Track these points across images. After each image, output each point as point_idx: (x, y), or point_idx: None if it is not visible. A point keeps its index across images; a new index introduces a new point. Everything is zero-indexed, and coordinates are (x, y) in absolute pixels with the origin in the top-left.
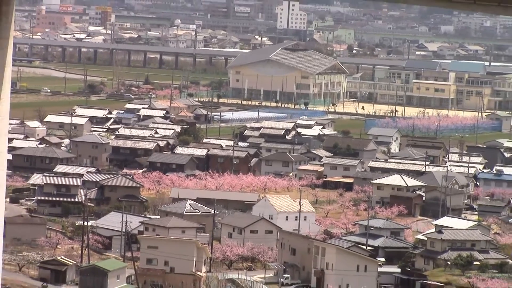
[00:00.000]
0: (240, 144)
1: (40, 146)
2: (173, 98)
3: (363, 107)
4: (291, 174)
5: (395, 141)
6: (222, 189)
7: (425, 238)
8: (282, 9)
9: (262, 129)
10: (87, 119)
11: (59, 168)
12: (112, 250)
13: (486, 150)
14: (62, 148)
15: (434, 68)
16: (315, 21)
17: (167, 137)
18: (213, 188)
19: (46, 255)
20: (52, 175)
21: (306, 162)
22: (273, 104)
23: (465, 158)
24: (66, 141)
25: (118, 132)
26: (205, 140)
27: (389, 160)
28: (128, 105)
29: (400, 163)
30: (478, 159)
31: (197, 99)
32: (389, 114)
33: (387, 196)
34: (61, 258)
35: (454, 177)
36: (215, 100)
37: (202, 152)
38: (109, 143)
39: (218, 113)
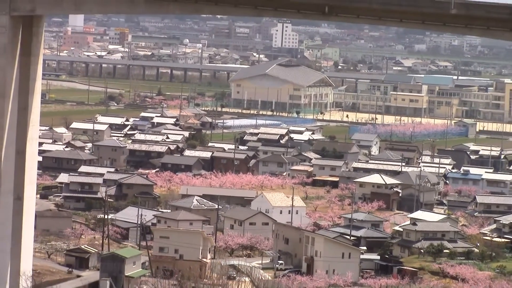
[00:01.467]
0: (240, 147)
1: (66, 149)
2: (182, 108)
3: (347, 115)
4: (284, 174)
5: (375, 145)
6: (224, 187)
7: (401, 229)
8: (277, 30)
9: (259, 134)
10: (107, 126)
11: (83, 169)
12: (129, 239)
13: (454, 153)
14: (85, 151)
15: (409, 82)
16: (306, 40)
17: (177, 141)
18: (217, 186)
19: (71, 244)
20: (76, 174)
21: (298, 163)
22: (269, 113)
23: (436, 160)
24: (89, 145)
25: (134, 137)
26: (210, 144)
27: (370, 161)
28: (143, 114)
29: (379, 164)
30: (447, 161)
31: (203, 108)
32: (370, 122)
33: (368, 193)
34: (84, 246)
35: (426, 176)
36: (219, 109)
37: (207, 154)
38: (126, 146)
39: (221, 121)
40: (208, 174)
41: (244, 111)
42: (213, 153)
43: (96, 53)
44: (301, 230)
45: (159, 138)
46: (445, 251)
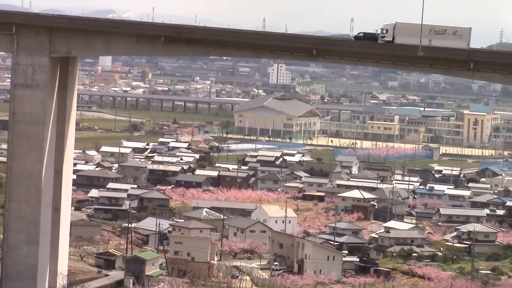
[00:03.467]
0: (242, 167)
1: (96, 169)
2: (193, 134)
3: (331, 141)
4: (279, 190)
5: (355, 165)
6: (229, 200)
7: (377, 236)
8: (273, 69)
9: (258, 156)
10: (131, 149)
11: (110, 185)
12: (149, 244)
13: (421, 172)
14: (112, 170)
15: (383, 113)
16: (297, 78)
17: (189, 162)
18: (223, 200)
19: (100, 248)
20: (105, 190)
21: (290, 181)
22: (266, 139)
23: (406, 178)
24: (116, 165)
25: (154, 158)
26: (216, 165)
27: (350, 179)
28: (161, 139)
29: (358, 181)
30: (416, 179)
31: (211, 135)
32: (350, 146)
33: (349, 206)
34: (111, 250)
35: (398, 191)
36: (224, 135)
37: (214, 173)
38: (147, 166)
39: (226, 145)
40: (215, 190)
41: (245, 137)
42: (219, 172)
43: (121, 89)
44: (293, 236)
45: (174, 159)
46: (413, 254)
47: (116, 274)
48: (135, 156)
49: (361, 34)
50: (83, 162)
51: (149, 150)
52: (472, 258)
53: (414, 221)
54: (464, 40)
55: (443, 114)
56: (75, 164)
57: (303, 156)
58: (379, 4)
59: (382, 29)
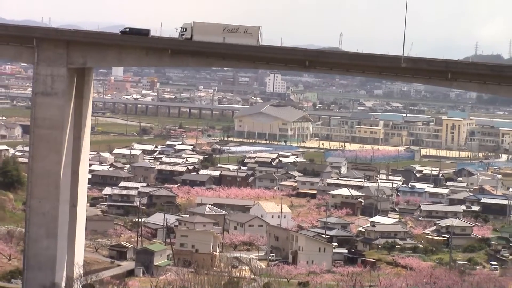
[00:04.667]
0: (242, 167)
1: (109, 169)
2: (197, 138)
3: (322, 143)
4: (275, 188)
5: (344, 166)
6: (229, 197)
7: (364, 230)
8: (270, 79)
9: (256, 158)
10: (141, 151)
11: (122, 184)
12: (157, 237)
13: (404, 172)
14: (124, 170)
15: (369, 118)
16: (291, 87)
17: (194, 163)
18: (224, 197)
19: (113, 241)
20: (117, 188)
21: (285, 180)
22: (263, 142)
23: (390, 177)
24: (127, 166)
25: (161, 160)
26: (218, 165)
27: (340, 178)
28: (168, 142)
29: (347, 180)
30: (399, 178)
31: (213, 138)
32: (340, 148)
33: (339, 202)
34: (123, 243)
35: (382, 189)
36: (225, 139)
37: (216, 173)
38: (155, 167)
39: (227, 147)
40: (217, 188)
41: (244, 140)
42: (221, 172)
43: (132, 96)
44: (288, 230)
45: (180, 160)
46: (397, 246)
47: (127, 264)
48: (144, 158)
49: (127, 29)
50: (98, 162)
51: (157, 152)
52: (450, 250)
53: (397, 216)
54: (254, 38)
55: (423, 120)
56: (90, 165)
57: (297, 157)
58: (365, 20)
59: (181, 28)
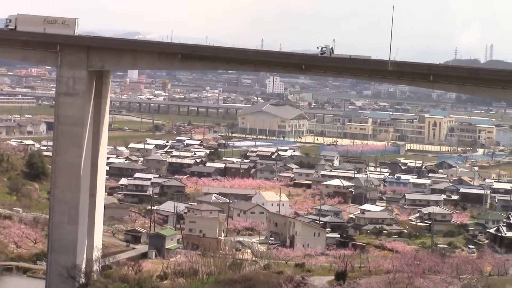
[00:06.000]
0: (245, 160)
1: (125, 161)
2: (204, 133)
3: (317, 139)
4: (274, 179)
5: (336, 159)
6: (233, 187)
7: (354, 217)
8: (269, 81)
9: (257, 151)
10: (154, 145)
11: (137, 175)
12: (168, 223)
13: (390, 164)
14: (139, 163)
15: (359, 116)
16: (289, 88)
17: (201, 156)
18: (228, 187)
19: (129, 226)
20: (132, 179)
21: (283, 171)
22: (264, 137)
23: (378, 169)
24: (141, 159)
25: (172, 153)
26: (223, 158)
27: (332, 170)
28: (178, 138)
29: (339, 172)
30: (386, 170)
31: (219, 134)
32: (333, 143)
33: (331, 192)
34: (138, 228)
35: (371, 180)
36: (230, 134)
37: (222, 165)
38: (166, 160)
39: (231, 142)
40: (222, 179)
41: (247, 136)
42: (225, 164)
43: (146, 96)
44: (286, 217)
45: (189, 154)
46: (384, 231)
47: (141, 248)
48: (157, 151)
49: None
50: (115, 156)
51: (168, 146)
52: (431, 234)
53: (384, 204)
54: (71, 28)
55: (408, 117)
56: (108, 158)
57: (294, 151)
58: (356, 28)
59: (6, 19)
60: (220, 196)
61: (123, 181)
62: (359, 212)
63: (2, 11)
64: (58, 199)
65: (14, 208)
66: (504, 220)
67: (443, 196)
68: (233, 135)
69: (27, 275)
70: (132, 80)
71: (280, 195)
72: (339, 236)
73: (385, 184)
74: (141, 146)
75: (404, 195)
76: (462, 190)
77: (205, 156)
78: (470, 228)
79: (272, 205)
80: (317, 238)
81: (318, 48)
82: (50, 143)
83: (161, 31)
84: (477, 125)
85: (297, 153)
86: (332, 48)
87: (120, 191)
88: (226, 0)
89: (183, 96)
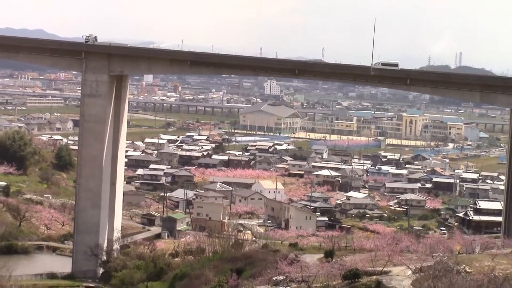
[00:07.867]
0: (245, 153)
1: (142, 154)
2: (210, 130)
3: (309, 135)
4: (271, 169)
5: (325, 152)
6: (236, 177)
7: (341, 203)
8: (267, 84)
9: (256, 146)
10: (166, 140)
11: (152, 166)
12: (179, 208)
13: (372, 157)
14: (153, 155)
15: (345, 115)
16: (284, 90)
17: (208, 150)
18: (231, 176)
19: (144, 211)
20: (148, 169)
21: (279, 163)
22: (262, 133)
23: (361, 161)
24: (155, 152)
25: (182, 147)
26: (227, 151)
27: (322, 162)
28: (187, 133)
29: (328, 163)
30: (368, 162)
31: (223, 130)
32: (322, 138)
33: (321, 181)
34: (152, 212)
35: (355, 171)
36: (232, 131)
37: (225, 157)
38: (177, 153)
39: (234, 138)
40: (226, 169)
41: (247, 132)
42: (229, 157)
43: (159, 97)
44: (281, 203)
45: (197, 148)
46: (367, 215)
47: (155, 229)
48: (169, 145)
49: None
50: (132, 149)
51: (179, 141)
52: (408, 218)
53: (367, 191)
54: None
55: (388, 116)
56: (126, 151)
57: (288, 145)
58: (342, 37)
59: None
60: (224, 185)
61: (140, 171)
62: (345, 198)
63: (22, 24)
64: (83, 187)
65: (45, 195)
66: (471, 205)
67: (418, 185)
68: (235, 131)
69: (56, 253)
70: (148, 83)
71: (276, 183)
72: (327, 219)
73: (368, 174)
74: (155, 141)
75: (384, 183)
76: (434, 179)
77: (211, 149)
78: (441, 213)
79: (269, 192)
80: (308, 221)
81: (83, 37)
82: (76, 138)
83: (173, 41)
84: (448, 123)
85: (291, 147)
86: (95, 37)
87: (137, 180)
88: (230, 14)
89: (192, 97)
